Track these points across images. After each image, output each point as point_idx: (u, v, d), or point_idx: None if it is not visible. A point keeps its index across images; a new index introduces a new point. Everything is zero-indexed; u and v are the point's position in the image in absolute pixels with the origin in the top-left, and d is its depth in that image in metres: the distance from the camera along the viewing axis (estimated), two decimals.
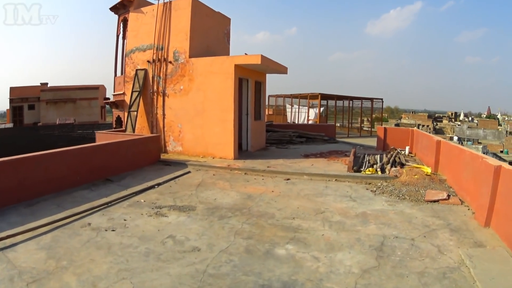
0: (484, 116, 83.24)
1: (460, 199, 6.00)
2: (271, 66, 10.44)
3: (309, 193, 6.62)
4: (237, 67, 9.69)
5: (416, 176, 6.99)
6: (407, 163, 8.59)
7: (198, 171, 8.48)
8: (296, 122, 26.65)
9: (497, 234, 4.52)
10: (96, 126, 25.74)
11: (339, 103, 27.70)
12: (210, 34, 11.39)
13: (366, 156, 9.54)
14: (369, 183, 7.29)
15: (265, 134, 12.93)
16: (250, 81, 10.97)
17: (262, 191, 6.72)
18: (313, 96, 24.57)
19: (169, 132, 10.77)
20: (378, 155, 9.62)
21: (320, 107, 25.61)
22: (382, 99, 26.65)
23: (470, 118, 74.38)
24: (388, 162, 8.34)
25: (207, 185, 7.10)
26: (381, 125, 29.41)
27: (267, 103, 21.61)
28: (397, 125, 55.66)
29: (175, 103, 10.60)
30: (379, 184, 7.10)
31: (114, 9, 13.31)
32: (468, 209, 5.62)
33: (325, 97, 25.35)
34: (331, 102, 28.27)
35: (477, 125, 57.57)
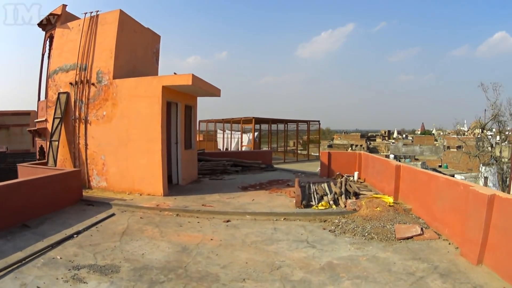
0: (419, 132, 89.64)
1: (435, 232, 5.47)
2: (203, 87, 9.67)
3: (257, 240, 5.63)
4: (165, 89, 8.78)
5: (378, 208, 6.38)
6: (361, 192, 8.05)
7: (123, 212, 7.42)
8: (229, 148, 25.86)
9: (495, 273, 4.05)
10: (27, 155, 24.18)
11: (273, 126, 27.61)
12: (138, 53, 10.41)
13: (311, 185, 8.91)
14: (325, 221, 6.54)
15: (197, 164, 11.92)
16: (179, 105, 10.06)
17: (199, 240, 5.65)
18: (247, 121, 24.05)
19: (92, 165, 9.46)
20: (325, 184, 9.04)
21: (254, 132, 25.15)
22: (319, 121, 27.19)
23: (404, 136, 79.23)
24: (340, 193, 7.71)
25: (134, 233, 6.00)
26: (318, 148, 30.06)
27: (197, 129, 20.61)
28: (330, 146, 57.91)
29: (98, 132, 9.40)
30: (336, 221, 6.38)
31: (41, 25, 11.72)
32: (449, 244, 5.13)
33: (259, 121, 25.03)
34: (264, 126, 28.08)
35: (412, 142, 61.17)
